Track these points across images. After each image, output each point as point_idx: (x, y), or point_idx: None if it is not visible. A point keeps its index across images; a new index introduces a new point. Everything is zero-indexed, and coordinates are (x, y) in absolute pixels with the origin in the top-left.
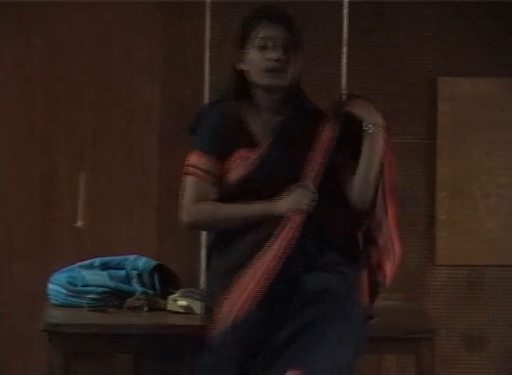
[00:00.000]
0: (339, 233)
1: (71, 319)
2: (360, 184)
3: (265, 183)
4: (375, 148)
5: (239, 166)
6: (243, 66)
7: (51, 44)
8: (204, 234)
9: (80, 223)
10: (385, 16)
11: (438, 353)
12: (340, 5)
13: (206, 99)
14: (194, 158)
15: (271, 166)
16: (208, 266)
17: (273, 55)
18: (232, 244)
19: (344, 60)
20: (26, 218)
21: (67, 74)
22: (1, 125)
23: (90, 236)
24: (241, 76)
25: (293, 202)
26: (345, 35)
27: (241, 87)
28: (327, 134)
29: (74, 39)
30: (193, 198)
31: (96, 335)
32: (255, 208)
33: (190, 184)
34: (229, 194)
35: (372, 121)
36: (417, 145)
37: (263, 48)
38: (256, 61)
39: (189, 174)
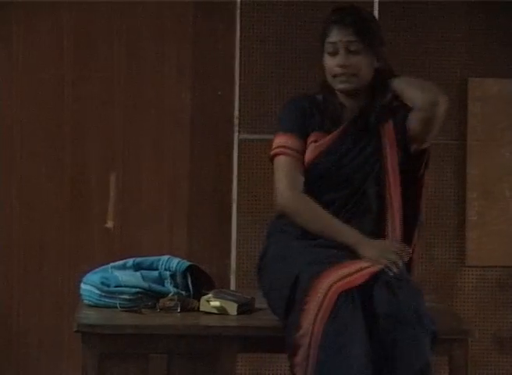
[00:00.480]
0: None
1: (104, 320)
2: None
3: (331, 170)
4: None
5: (309, 151)
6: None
7: (82, 45)
8: (234, 235)
9: (110, 224)
10: (415, 17)
11: (470, 354)
12: (370, 6)
13: (236, 100)
14: (282, 139)
15: (338, 155)
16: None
17: (337, 60)
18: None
19: None
20: (56, 219)
21: (97, 75)
22: (32, 126)
23: (120, 237)
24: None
25: (378, 255)
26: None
27: (326, 83)
28: (390, 131)
29: (104, 40)
30: (288, 181)
31: (129, 336)
32: (346, 236)
33: (282, 165)
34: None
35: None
36: (447, 146)
37: (331, 53)
38: (327, 66)
39: (279, 154)
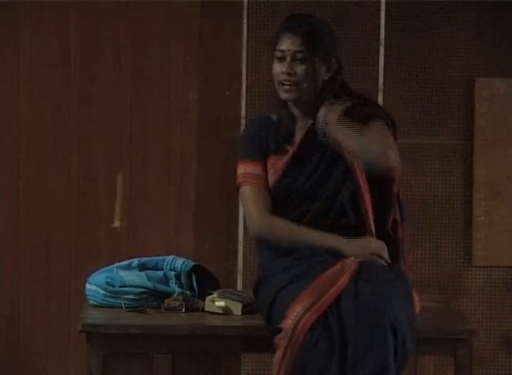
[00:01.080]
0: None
1: (109, 320)
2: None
3: (294, 190)
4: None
5: (270, 176)
6: None
7: (89, 45)
8: (241, 235)
9: (116, 224)
10: (422, 17)
11: (475, 354)
12: (378, 6)
13: (243, 100)
14: (243, 167)
15: (295, 176)
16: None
17: (283, 67)
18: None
19: (381, 61)
20: (63, 218)
21: (104, 75)
22: (39, 126)
23: (126, 236)
24: None
25: (362, 251)
26: (382, 36)
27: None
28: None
29: (111, 40)
30: (255, 207)
31: (134, 336)
32: (325, 241)
33: (246, 194)
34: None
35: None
36: (454, 146)
37: (279, 59)
38: (274, 72)
39: (243, 183)
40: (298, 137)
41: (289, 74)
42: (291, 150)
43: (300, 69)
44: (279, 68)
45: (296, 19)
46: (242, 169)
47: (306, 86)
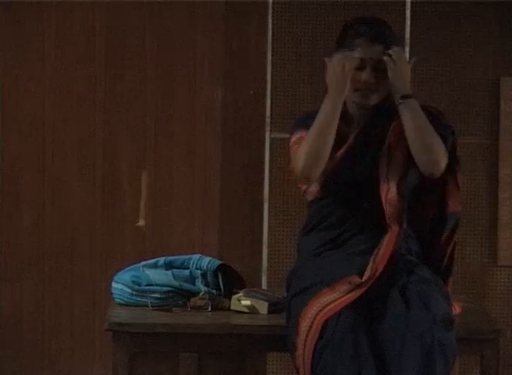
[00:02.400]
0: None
1: (135, 319)
2: (418, 153)
3: (348, 182)
4: (413, 115)
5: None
6: None
7: (114, 44)
8: (265, 235)
9: (141, 223)
10: (447, 16)
11: (502, 354)
12: (403, 5)
13: (268, 99)
14: (299, 135)
15: (352, 166)
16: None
17: (364, 76)
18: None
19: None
20: (88, 217)
21: (129, 74)
22: (64, 125)
23: (151, 235)
24: None
25: (333, 72)
26: (407, 35)
27: None
28: (394, 130)
29: (136, 39)
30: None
31: (160, 334)
32: (322, 109)
33: (299, 149)
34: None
35: (400, 93)
36: (479, 146)
37: (357, 68)
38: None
39: (295, 146)
40: (351, 132)
41: (370, 84)
42: (348, 141)
43: (379, 78)
44: (357, 76)
45: (370, 24)
46: (296, 136)
47: (381, 93)
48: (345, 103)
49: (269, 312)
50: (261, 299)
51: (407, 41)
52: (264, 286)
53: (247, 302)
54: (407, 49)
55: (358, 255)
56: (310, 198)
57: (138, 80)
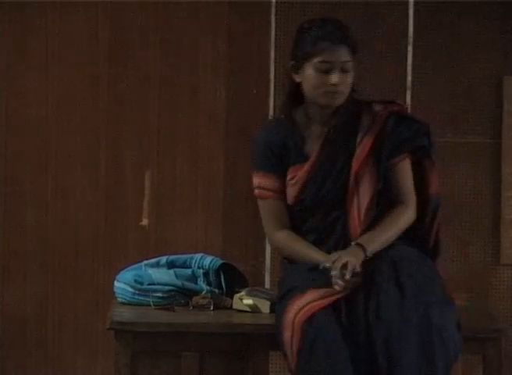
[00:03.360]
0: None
1: (138, 318)
2: None
3: (316, 199)
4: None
5: (290, 187)
6: (297, 78)
7: (117, 43)
8: None
9: (144, 222)
10: (450, 16)
11: (504, 354)
12: (406, 5)
13: (271, 99)
14: (257, 180)
15: (319, 183)
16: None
17: (332, 79)
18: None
19: (410, 59)
20: (91, 217)
21: (133, 73)
22: (67, 124)
23: (154, 234)
24: (296, 88)
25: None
26: (411, 34)
27: (296, 99)
28: (367, 140)
29: (140, 38)
30: (270, 223)
31: (162, 334)
32: (317, 259)
33: (262, 207)
34: (293, 218)
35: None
36: (482, 145)
37: (324, 71)
38: (315, 82)
39: (258, 196)
40: (316, 142)
41: (339, 85)
42: (311, 158)
43: (346, 78)
44: (323, 79)
45: (333, 25)
46: (256, 181)
47: (347, 92)
48: (303, 107)
49: (271, 311)
50: (264, 298)
51: (410, 40)
52: (266, 285)
53: (249, 301)
54: (410, 48)
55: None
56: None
57: (141, 79)
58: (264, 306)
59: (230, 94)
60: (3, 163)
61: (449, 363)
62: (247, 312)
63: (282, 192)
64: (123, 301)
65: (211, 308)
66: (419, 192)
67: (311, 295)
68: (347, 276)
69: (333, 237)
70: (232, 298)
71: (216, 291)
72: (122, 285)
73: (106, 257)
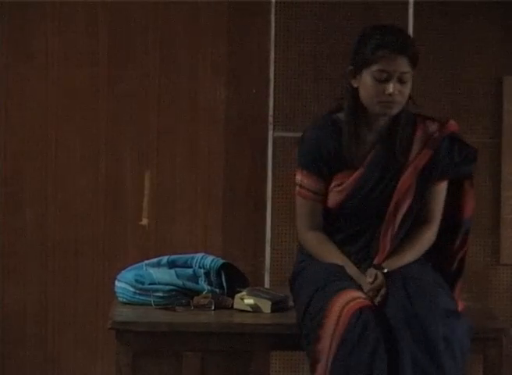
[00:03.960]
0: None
1: (139, 317)
2: None
3: (359, 207)
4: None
5: (335, 193)
6: (355, 83)
7: (117, 42)
8: (268, 233)
9: (144, 222)
10: (450, 15)
11: (504, 353)
12: (405, 5)
13: (271, 98)
14: (300, 177)
15: (365, 193)
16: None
17: (390, 88)
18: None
19: None
20: (91, 216)
21: (132, 73)
22: (67, 124)
23: (154, 234)
24: (354, 93)
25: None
26: (410, 31)
27: (353, 104)
28: (420, 159)
29: (139, 37)
30: (304, 221)
31: (164, 333)
32: (354, 275)
33: (299, 205)
34: (328, 215)
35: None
36: (482, 144)
37: (381, 80)
38: (372, 91)
39: (298, 194)
40: (367, 150)
41: (395, 95)
42: (361, 166)
43: (404, 89)
44: (380, 87)
45: (393, 34)
46: (299, 178)
47: (404, 103)
48: (357, 113)
49: (272, 310)
50: (265, 298)
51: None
52: (267, 285)
53: (250, 301)
54: None
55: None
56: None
57: (141, 78)
58: (266, 306)
59: (230, 94)
60: (2, 163)
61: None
62: (248, 311)
63: (322, 195)
64: (124, 300)
65: (212, 308)
66: (453, 214)
67: (356, 293)
68: (378, 299)
69: (362, 240)
70: (233, 297)
71: (217, 290)
72: (123, 285)
73: (106, 256)
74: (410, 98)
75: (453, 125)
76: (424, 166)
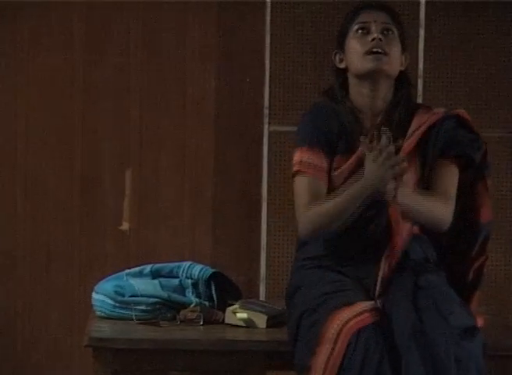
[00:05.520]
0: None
1: (118, 333)
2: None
3: None
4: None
5: (334, 177)
6: (341, 65)
7: (94, 26)
8: (263, 239)
9: (125, 226)
10: (467, 2)
11: None
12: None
13: (266, 88)
14: (299, 154)
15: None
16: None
17: (374, 34)
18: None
19: (421, 44)
20: (65, 220)
21: (111, 60)
22: (39, 117)
23: (136, 240)
24: (342, 75)
25: (377, 181)
26: (422, 16)
27: (342, 87)
28: (413, 138)
29: (119, 20)
30: (303, 202)
31: (146, 351)
32: (352, 193)
33: (298, 185)
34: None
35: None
36: (502, 139)
37: (363, 32)
38: (356, 44)
39: (296, 172)
40: (363, 134)
41: (379, 40)
42: (357, 151)
43: (392, 40)
44: (364, 38)
45: (373, 1)
46: (298, 156)
47: (394, 60)
48: (352, 97)
49: (268, 325)
50: (260, 312)
51: (422, 23)
52: (262, 297)
53: (243, 315)
54: (422, 32)
55: (363, 279)
56: None
57: (121, 67)
58: (261, 320)
59: (221, 84)
60: None
61: None
62: (241, 327)
63: (325, 172)
64: (102, 314)
65: (201, 322)
66: (469, 218)
67: (354, 307)
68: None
69: (372, 225)
70: (224, 311)
71: (206, 303)
72: (101, 297)
73: (82, 266)
74: (406, 77)
75: (461, 111)
76: (421, 139)
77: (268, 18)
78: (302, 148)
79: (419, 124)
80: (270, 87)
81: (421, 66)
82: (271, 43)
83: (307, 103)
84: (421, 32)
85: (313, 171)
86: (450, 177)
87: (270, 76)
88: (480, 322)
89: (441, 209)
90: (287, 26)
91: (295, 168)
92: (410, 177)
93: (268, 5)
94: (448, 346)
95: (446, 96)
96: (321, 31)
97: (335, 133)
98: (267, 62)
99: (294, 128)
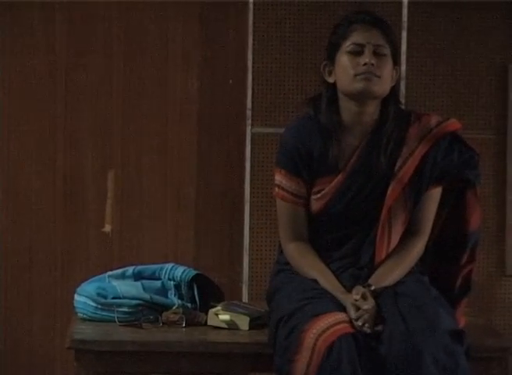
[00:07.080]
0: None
1: (101, 336)
2: None
3: (342, 214)
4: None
5: (315, 200)
6: (330, 79)
7: (76, 27)
8: (246, 241)
9: (107, 228)
10: (453, 3)
11: (510, 374)
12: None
13: (249, 90)
14: (279, 177)
15: (348, 199)
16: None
17: (366, 58)
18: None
19: (404, 46)
20: (47, 222)
21: (93, 62)
22: (20, 119)
23: (118, 242)
24: (331, 89)
25: (357, 315)
26: (405, 18)
27: (330, 101)
28: (414, 159)
29: (101, 21)
30: (285, 231)
31: (129, 353)
32: (333, 292)
33: (280, 209)
34: (312, 219)
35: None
36: (484, 141)
37: (356, 53)
38: (347, 67)
39: (278, 196)
40: (350, 153)
41: (371, 65)
42: (343, 171)
43: (384, 63)
44: (355, 60)
45: (366, 14)
46: (278, 179)
47: (384, 82)
48: (340, 111)
49: (251, 327)
50: (242, 313)
51: (405, 24)
52: (245, 298)
53: (225, 317)
54: (404, 34)
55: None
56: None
57: (103, 68)
58: (243, 322)
59: (203, 85)
60: None
61: None
62: (224, 328)
63: (304, 198)
64: (84, 316)
65: (184, 324)
66: (457, 228)
67: (335, 315)
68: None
69: (347, 246)
70: (206, 313)
71: (189, 305)
72: (83, 299)
73: (64, 267)
74: (394, 93)
75: (454, 123)
76: (419, 166)
77: (250, 19)
78: (281, 171)
79: (412, 148)
80: (253, 88)
81: (403, 67)
82: (253, 44)
83: (291, 105)
84: (404, 33)
85: (292, 198)
86: (433, 202)
87: (253, 78)
88: (462, 323)
89: (416, 254)
90: (270, 27)
91: (275, 190)
92: (400, 219)
93: (251, 5)
94: (434, 352)
95: (429, 97)
96: (304, 32)
97: (316, 156)
98: (249, 63)
99: (277, 130)
